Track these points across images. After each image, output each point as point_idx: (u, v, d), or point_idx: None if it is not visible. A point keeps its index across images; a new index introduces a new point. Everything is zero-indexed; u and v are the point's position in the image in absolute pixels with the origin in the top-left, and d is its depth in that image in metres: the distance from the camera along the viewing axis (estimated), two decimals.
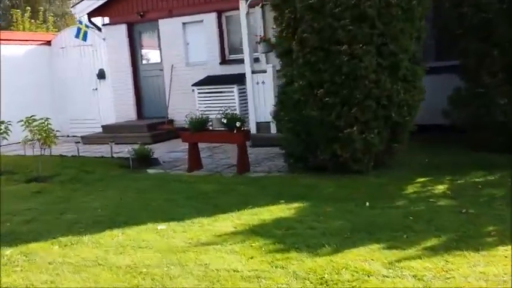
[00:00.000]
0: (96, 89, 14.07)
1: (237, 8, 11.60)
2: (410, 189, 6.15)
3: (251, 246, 4.58)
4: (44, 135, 7.81)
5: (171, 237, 5.02)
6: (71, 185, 7.73)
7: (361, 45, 6.24)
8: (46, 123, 7.90)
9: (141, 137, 11.99)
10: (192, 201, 6.28)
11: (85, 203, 6.59)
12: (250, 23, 11.33)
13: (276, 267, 4.08)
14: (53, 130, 7.97)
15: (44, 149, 7.99)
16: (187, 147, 10.97)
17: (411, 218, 5.03)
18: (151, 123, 12.54)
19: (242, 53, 11.90)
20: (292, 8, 6.79)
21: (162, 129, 12.52)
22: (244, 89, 11.44)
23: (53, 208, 6.45)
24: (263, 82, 10.23)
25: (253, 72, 10.31)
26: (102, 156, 10.23)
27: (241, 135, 7.80)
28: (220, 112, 7.83)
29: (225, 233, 5.01)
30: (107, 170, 8.77)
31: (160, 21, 12.75)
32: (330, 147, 6.74)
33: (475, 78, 7.73)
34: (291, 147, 7.24)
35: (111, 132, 12.65)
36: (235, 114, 7.75)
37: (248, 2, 9.94)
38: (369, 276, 3.79)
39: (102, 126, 13.09)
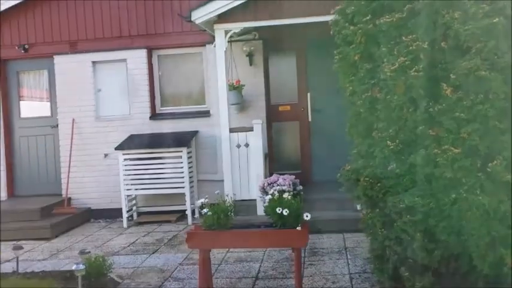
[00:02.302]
0: None
1: (175, 46, 8.79)
2: None
3: None
4: None
5: None
6: None
7: None
8: None
9: (33, 228, 7.97)
10: None
11: None
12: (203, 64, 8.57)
13: None
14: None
15: None
16: (122, 243, 7.46)
17: None
18: (46, 205, 8.45)
19: (177, 105, 9.05)
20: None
21: (61, 213, 8.53)
22: (190, 153, 8.43)
23: None
24: (246, 144, 7.31)
25: (231, 130, 7.32)
26: None
27: (304, 234, 4.80)
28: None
29: None
30: None
31: (57, 58, 8.95)
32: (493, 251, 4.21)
33: None
34: (405, 251, 4.51)
35: None
36: (294, 201, 4.74)
37: (229, 34, 7.03)
38: None
39: None
